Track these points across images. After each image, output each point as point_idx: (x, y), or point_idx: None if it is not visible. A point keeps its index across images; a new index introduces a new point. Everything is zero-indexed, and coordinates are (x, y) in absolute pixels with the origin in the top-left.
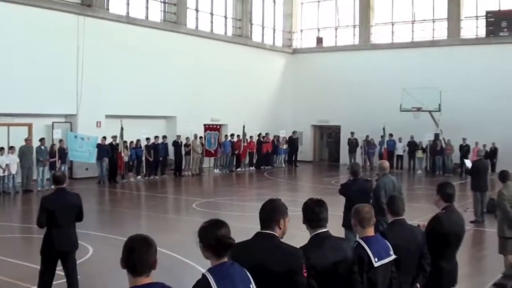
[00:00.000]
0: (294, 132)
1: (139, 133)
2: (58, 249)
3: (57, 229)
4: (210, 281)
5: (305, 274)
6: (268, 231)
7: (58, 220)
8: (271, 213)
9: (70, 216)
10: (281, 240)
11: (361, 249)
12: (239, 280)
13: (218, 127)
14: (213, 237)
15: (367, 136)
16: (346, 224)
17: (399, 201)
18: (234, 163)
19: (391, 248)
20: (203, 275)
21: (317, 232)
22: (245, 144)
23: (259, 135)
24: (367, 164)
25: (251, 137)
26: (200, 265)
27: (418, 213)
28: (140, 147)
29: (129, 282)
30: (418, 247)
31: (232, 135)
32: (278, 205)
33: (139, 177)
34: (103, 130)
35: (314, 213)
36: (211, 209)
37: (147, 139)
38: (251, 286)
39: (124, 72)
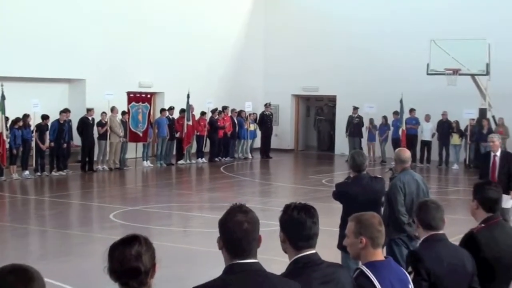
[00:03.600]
0: (266, 106)
1: (28, 104)
2: None
3: None
4: None
5: None
6: (250, 261)
7: None
8: (249, 232)
9: None
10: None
11: (365, 280)
12: None
13: (149, 96)
14: (118, 258)
15: (376, 116)
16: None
17: (435, 209)
18: (174, 152)
19: (410, 280)
20: None
21: (302, 254)
22: (191, 123)
23: (213, 110)
24: (375, 154)
25: (202, 113)
26: None
27: (453, 229)
28: (29, 126)
29: None
30: (465, 275)
31: (171, 109)
32: (255, 218)
33: (26, 172)
34: None
35: (300, 226)
36: (136, 221)
37: (44, 117)
38: None
39: (2, 16)
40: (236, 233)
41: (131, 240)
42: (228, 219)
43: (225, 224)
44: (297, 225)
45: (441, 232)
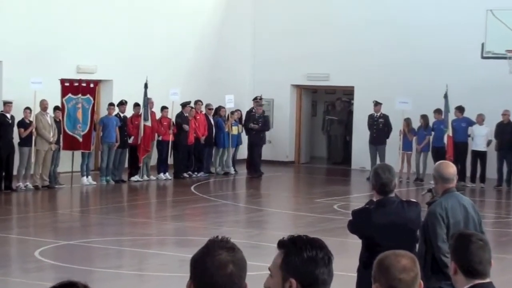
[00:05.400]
0: (256, 101)
1: None
2: None
3: None
4: None
5: None
6: None
7: None
8: (234, 278)
9: None
10: None
11: None
12: None
13: (92, 86)
14: None
15: (411, 116)
16: None
17: (482, 249)
18: (126, 164)
19: None
20: None
21: None
22: (149, 124)
23: (184, 104)
24: (409, 170)
25: (163, 108)
26: None
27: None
28: None
29: None
30: None
31: (122, 104)
32: (243, 259)
33: None
34: None
35: (311, 269)
36: (72, 261)
37: None
38: None
39: None
40: (217, 277)
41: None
42: (208, 257)
43: (202, 264)
44: (308, 267)
45: (487, 280)
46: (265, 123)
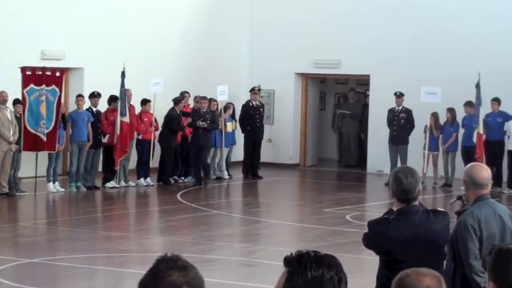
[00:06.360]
0: (254, 92)
1: None
2: None
3: None
4: None
5: None
6: None
7: None
8: None
9: None
10: None
11: None
12: None
13: (58, 75)
14: None
15: (440, 109)
16: None
17: None
18: (100, 167)
19: None
20: None
21: None
22: (128, 119)
23: (177, 100)
24: (435, 174)
25: (144, 102)
26: None
27: None
28: None
29: None
30: None
31: (94, 96)
32: (199, 278)
33: None
34: None
35: None
36: (37, 282)
37: None
38: None
39: None
40: None
41: None
42: (157, 281)
43: None
44: (312, 286)
45: None
46: (213, 120)
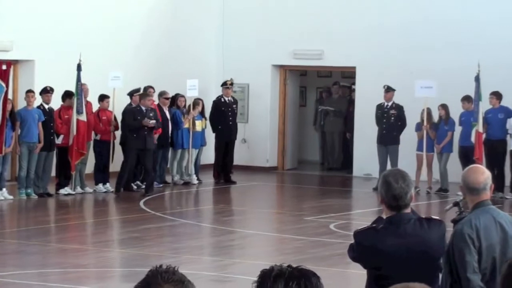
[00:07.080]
0: (226, 87)
1: None
2: None
3: None
4: None
5: None
6: None
7: None
8: None
9: None
10: None
11: None
12: None
13: (5, 69)
14: None
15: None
16: None
17: None
18: (54, 172)
19: None
20: None
21: None
22: (84, 118)
23: (133, 92)
24: (430, 178)
25: (102, 97)
26: None
27: None
28: None
29: None
30: None
31: (47, 92)
32: None
33: None
34: None
35: None
36: None
37: None
38: None
39: None
40: None
41: None
42: None
43: None
44: None
45: None
46: (157, 119)
